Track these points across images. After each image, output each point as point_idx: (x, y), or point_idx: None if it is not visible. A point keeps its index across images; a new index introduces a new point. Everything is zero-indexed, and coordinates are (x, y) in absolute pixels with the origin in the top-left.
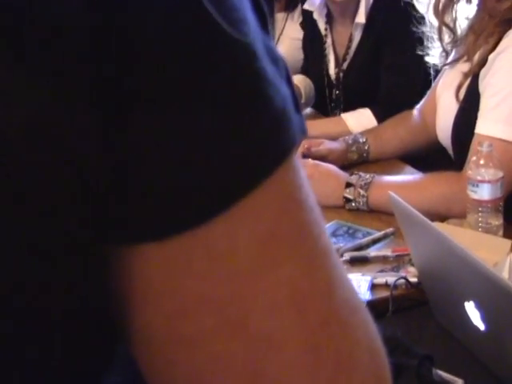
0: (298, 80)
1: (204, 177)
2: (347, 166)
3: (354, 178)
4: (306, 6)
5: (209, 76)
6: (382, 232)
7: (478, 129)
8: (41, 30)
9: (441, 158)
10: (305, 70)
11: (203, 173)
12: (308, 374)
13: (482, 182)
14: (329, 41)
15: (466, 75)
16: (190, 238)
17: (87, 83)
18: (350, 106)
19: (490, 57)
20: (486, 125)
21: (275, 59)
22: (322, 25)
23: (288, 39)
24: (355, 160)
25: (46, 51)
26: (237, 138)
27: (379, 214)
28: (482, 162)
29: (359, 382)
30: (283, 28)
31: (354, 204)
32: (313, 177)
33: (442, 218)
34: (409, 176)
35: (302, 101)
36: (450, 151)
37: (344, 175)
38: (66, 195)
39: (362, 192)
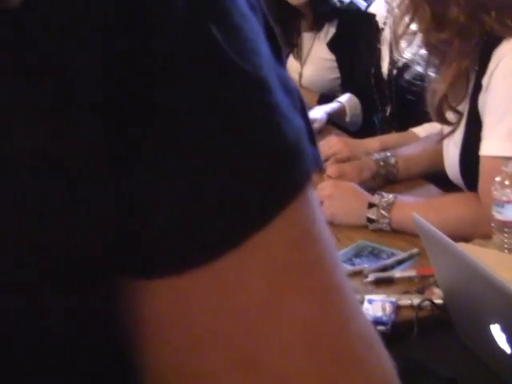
0: (344, 98)
1: (215, 213)
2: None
3: (376, 199)
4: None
5: (219, 110)
6: (407, 253)
7: (481, 151)
8: (58, 57)
9: None
10: (343, 88)
11: (215, 209)
12: None
13: (508, 202)
14: (386, 34)
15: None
16: (200, 273)
17: (99, 124)
18: (401, 108)
19: (484, 81)
20: (489, 144)
21: (289, 90)
22: (380, 17)
23: (316, 59)
24: (380, 183)
25: (60, 77)
26: (248, 173)
27: (403, 233)
28: (506, 182)
29: None
30: (311, 48)
31: (377, 225)
32: (333, 197)
33: (467, 238)
34: (430, 197)
35: (347, 119)
36: (463, 187)
37: (366, 194)
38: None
39: (384, 213)
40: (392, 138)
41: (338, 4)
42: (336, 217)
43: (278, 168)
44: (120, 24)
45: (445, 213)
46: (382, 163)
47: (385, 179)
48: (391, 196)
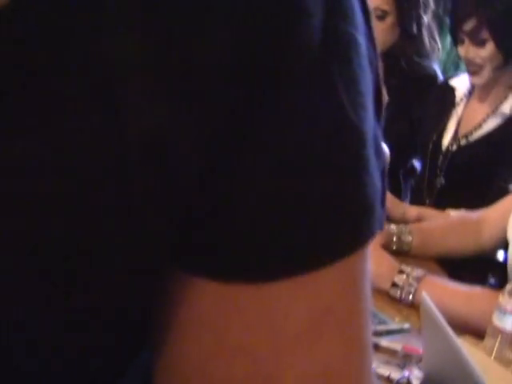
0: None
1: (286, 239)
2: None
3: (407, 268)
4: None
5: (318, 152)
6: (398, 325)
7: None
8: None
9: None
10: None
11: (286, 235)
12: None
13: (511, 312)
14: (459, 110)
15: None
16: (252, 290)
17: (215, 113)
18: (450, 188)
19: None
20: None
21: (379, 151)
22: (459, 93)
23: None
24: (393, 250)
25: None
26: (324, 214)
27: (400, 306)
28: None
29: None
30: None
31: (400, 292)
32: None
33: (459, 332)
34: (458, 284)
35: None
36: None
37: (395, 261)
38: (162, 215)
39: (413, 283)
40: (430, 214)
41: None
42: None
43: (351, 220)
44: (251, 42)
45: (471, 304)
46: (394, 239)
47: (396, 249)
48: (421, 270)
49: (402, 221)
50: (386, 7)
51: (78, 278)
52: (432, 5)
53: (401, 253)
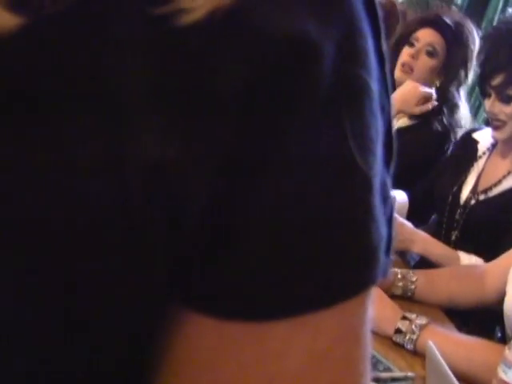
0: (397, 197)
1: (287, 280)
2: (391, 296)
3: (411, 314)
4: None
5: (323, 194)
6: (403, 373)
7: None
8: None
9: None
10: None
11: (287, 276)
12: None
13: None
14: (480, 164)
15: None
16: (250, 328)
17: (225, 147)
18: (464, 241)
19: None
20: None
21: (386, 197)
22: (481, 146)
23: None
24: (397, 294)
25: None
26: (326, 256)
27: (405, 354)
28: None
29: None
30: None
31: (402, 338)
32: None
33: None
34: (459, 336)
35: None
36: None
37: (397, 307)
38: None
39: (415, 330)
40: (438, 247)
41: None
42: None
43: (352, 265)
44: (265, 73)
45: (473, 355)
46: (400, 283)
47: (401, 294)
48: (424, 318)
49: (407, 249)
50: (437, 47)
51: (79, 318)
52: (474, 60)
53: (405, 299)
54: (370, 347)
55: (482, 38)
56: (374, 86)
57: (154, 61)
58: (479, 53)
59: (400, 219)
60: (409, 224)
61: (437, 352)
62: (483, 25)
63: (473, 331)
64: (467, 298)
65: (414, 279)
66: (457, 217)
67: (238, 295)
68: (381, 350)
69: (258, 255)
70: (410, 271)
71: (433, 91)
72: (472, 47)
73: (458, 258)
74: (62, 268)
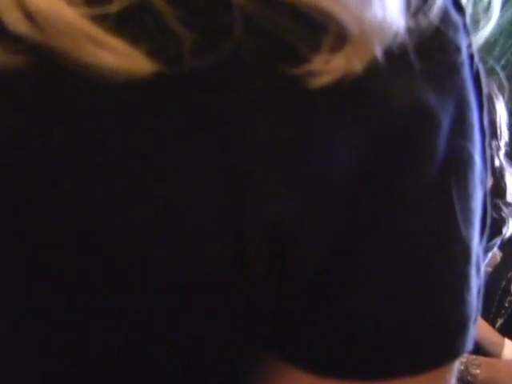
0: None
1: (388, 344)
2: None
3: None
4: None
5: (429, 262)
6: None
7: None
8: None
9: None
10: None
11: (388, 340)
12: None
13: None
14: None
15: None
16: None
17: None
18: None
19: None
20: None
21: (479, 269)
22: (509, 195)
23: None
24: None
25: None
26: (426, 324)
27: None
28: None
29: None
30: None
31: None
32: None
33: None
34: None
35: None
36: None
37: None
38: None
39: None
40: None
41: None
42: None
43: (448, 334)
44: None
45: None
46: (462, 367)
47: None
48: None
49: (494, 355)
50: None
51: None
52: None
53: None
54: None
55: None
56: (478, 159)
57: (282, 121)
58: None
59: None
60: None
61: None
62: None
63: None
64: None
65: (477, 372)
66: (506, 304)
67: (337, 353)
68: None
69: (361, 316)
70: (474, 361)
71: None
72: None
73: (503, 343)
74: (178, 331)
